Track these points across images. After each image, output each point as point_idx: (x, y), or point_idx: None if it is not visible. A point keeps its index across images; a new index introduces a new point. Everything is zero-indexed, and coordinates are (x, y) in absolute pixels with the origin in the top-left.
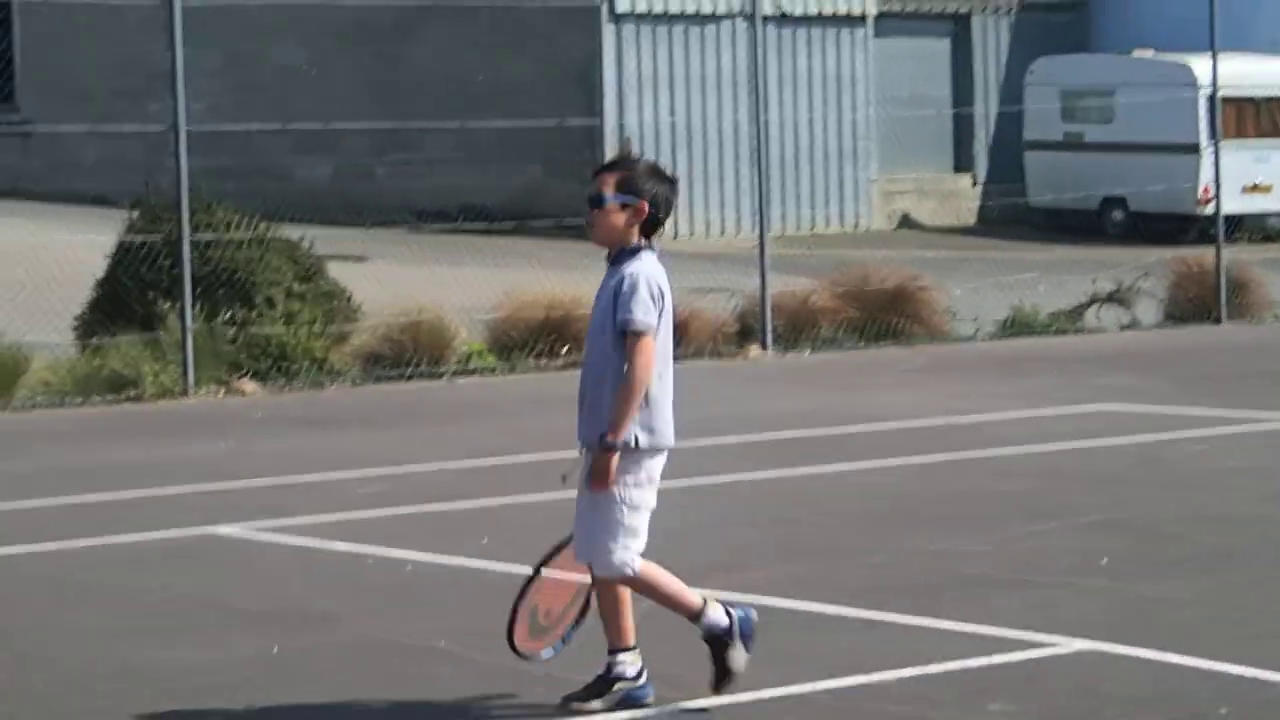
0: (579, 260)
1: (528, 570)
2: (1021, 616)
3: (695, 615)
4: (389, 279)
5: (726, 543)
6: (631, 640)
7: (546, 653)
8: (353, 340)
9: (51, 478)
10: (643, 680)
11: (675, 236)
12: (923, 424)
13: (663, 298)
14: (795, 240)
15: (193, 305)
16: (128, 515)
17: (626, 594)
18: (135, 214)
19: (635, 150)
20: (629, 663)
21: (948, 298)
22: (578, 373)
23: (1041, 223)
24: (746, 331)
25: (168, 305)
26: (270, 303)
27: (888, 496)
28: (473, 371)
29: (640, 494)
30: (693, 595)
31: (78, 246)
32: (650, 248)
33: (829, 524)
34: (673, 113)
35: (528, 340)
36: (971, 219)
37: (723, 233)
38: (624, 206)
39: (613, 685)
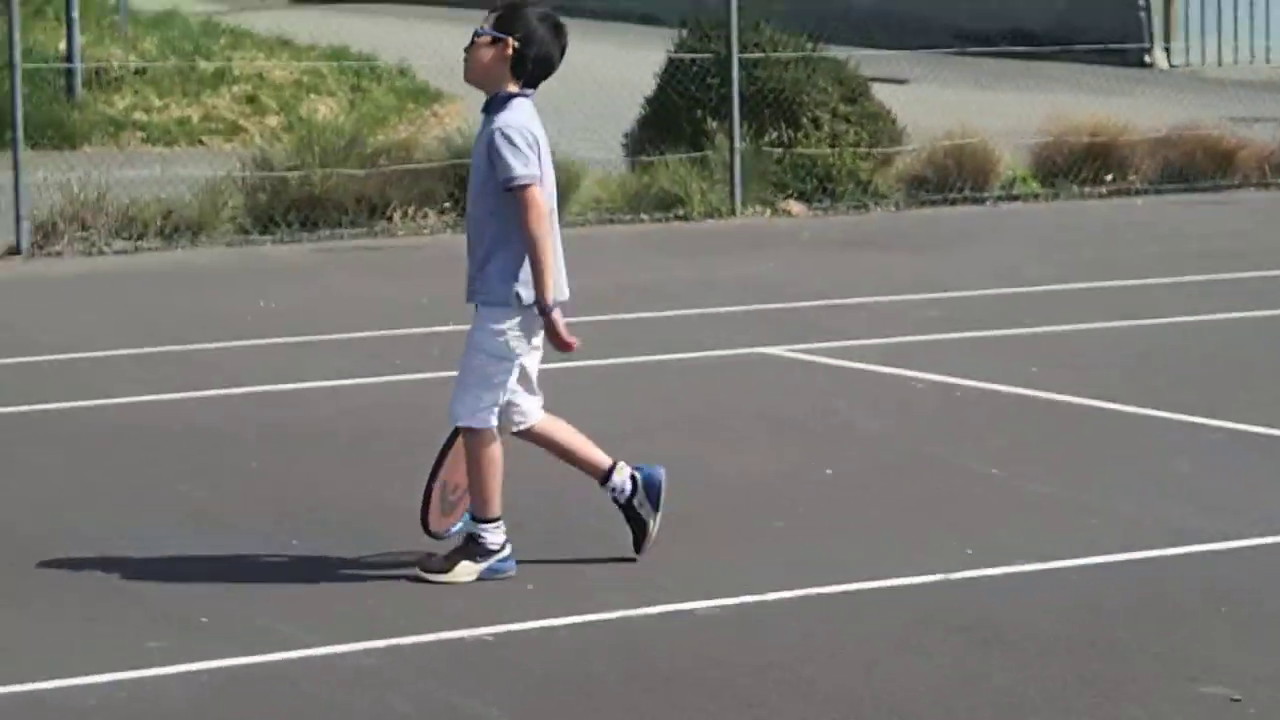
0: (1123, 86)
1: (1072, 399)
2: None
3: (604, 477)
4: (932, 102)
5: None
6: (497, 510)
7: (455, 527)
8: (897, 163)
9: (610, 292)
10: (506, 552)
11: (1219, 64)
12: None
13: (538, 146)
14: None
15: (740, 125)
16: (682, 333)
17: (495, 459)
18: (684, 32)
19: None
20: (492, 532)
21: None
22: (1124, 201)
23: None
24: None
25: (715, 124)
26: (816, 123)
27: None
28: (1016, 197)
29: (508, 346)
30: (600, 456)
31: (627, 64)
32: (525, 95)
33: None
34: None
35: (1072, 166)
36: None
37: (1268, 59)
38: (493, 41)
39: (474, 556)
